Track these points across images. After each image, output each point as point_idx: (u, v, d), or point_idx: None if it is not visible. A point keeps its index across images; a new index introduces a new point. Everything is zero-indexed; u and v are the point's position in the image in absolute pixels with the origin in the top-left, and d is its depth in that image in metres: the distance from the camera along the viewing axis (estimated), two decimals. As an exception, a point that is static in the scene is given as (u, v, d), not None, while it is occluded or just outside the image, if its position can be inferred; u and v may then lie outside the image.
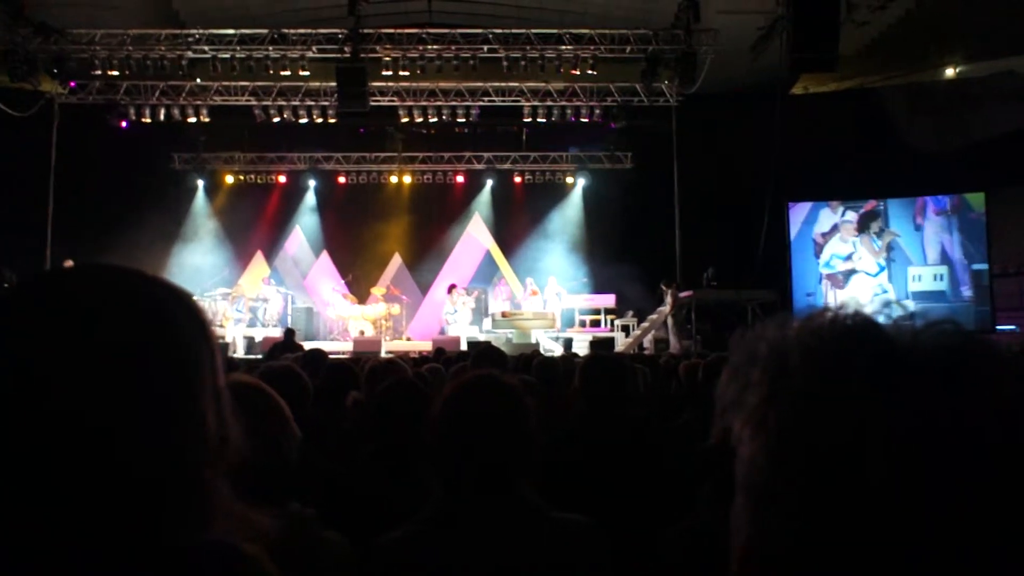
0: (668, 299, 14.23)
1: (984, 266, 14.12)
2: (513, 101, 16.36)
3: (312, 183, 18.37)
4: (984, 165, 16.60)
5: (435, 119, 16.64)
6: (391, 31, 15.04)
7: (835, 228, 15.83)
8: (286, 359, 6.72)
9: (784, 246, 15.13)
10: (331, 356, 9.83)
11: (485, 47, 15.01)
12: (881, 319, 0.58)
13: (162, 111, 16.24)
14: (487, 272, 18.23)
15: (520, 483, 1.55)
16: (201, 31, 14.84)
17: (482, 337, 14.01)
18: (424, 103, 16.37)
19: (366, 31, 14.65)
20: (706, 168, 15.27)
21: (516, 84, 16.03)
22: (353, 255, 17.93)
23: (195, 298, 0.83)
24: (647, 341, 14.43)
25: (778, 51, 12.35)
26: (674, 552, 1.55)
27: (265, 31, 14.84)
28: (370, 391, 3.50)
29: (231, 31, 14.83)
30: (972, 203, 14.31)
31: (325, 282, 17.78)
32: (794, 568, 0.55)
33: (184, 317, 0.77)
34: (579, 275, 16.96)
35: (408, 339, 16.10)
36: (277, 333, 15.12)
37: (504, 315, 15.09)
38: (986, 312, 14.00)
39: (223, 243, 17.95)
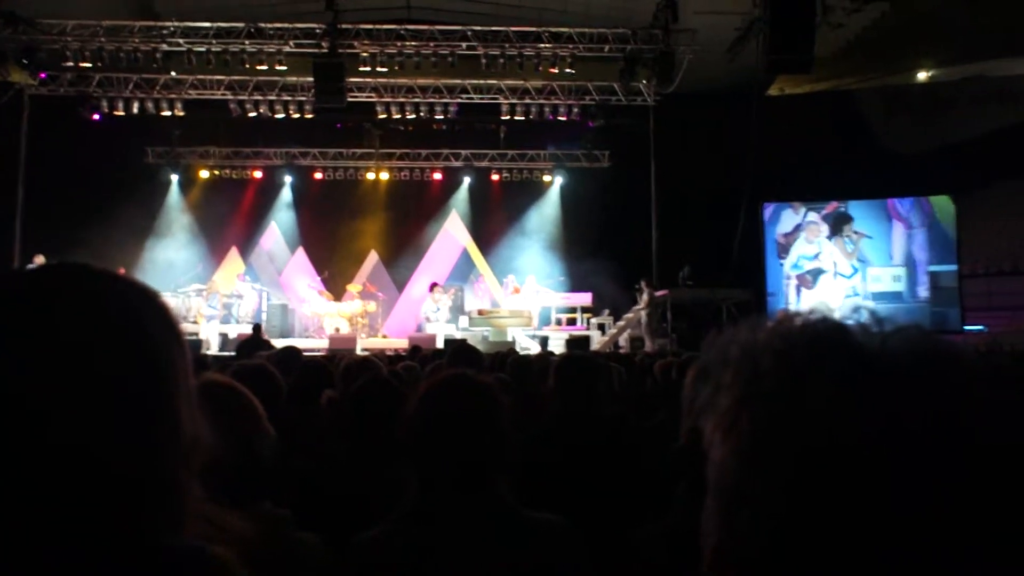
0: (644, 298, 14.30)
1: (943, 267, 14.36)
2: (491, 99, 16.35)
3: (288, 179, 18.22)
4: (955, 167, 16.86)
5: (413, 116, 16.59)
6: (369, 27, 14.96)
7: (798, 228, 15.97)
8: (259, 356, 6.67)
9: (759, 246, 15.28)
10: (306, 354, 9.75)
11: (464, 44, 14.99)
12: (850, 323, 0.58)
13: (135, 104, 16.04)
14: (464, 270, 18.21)
15: (496, 482, 1.55)
16: (176, 24, 14.66)
17: (459, 335, 13.98)
18: (402, 99, 16.31)
19: (344, 26, 14.56)
20: (683, 168, 15.36)
21: (494, 82, 16.02)
22: (329, 252, 17.81)
23: (163, 297, 0.82)
24: (623, 339, 14.50)
25: (755, 52, 12.45)
26: (648, 552, 1.56)
27: (241, 25, 14.70)
28: (345, 390, 3.48)
29: (207, 24, 14.67)
30: (936, 205, 14.53)
31: (301, 279, 17.66)
32: (765, 570, 0.56)
33: (154, 317, 0.76)
34: (556, 273, 16.99)
35: (384, 336, 16.04)
36: (250, 330, 15.00)
37: (481, 313, 15.09)
38: (941, 312, 14.25)
39: (197, 239, 17.75)
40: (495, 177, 18.35)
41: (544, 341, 14.09)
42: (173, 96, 16.07)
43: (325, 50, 14.46)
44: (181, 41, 14.73)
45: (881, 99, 19.77)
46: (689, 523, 0.65)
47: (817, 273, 14.83)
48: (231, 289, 16.16)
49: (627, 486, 2.40)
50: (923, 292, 14.33)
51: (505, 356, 6.15)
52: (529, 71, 15.42)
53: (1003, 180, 19.32)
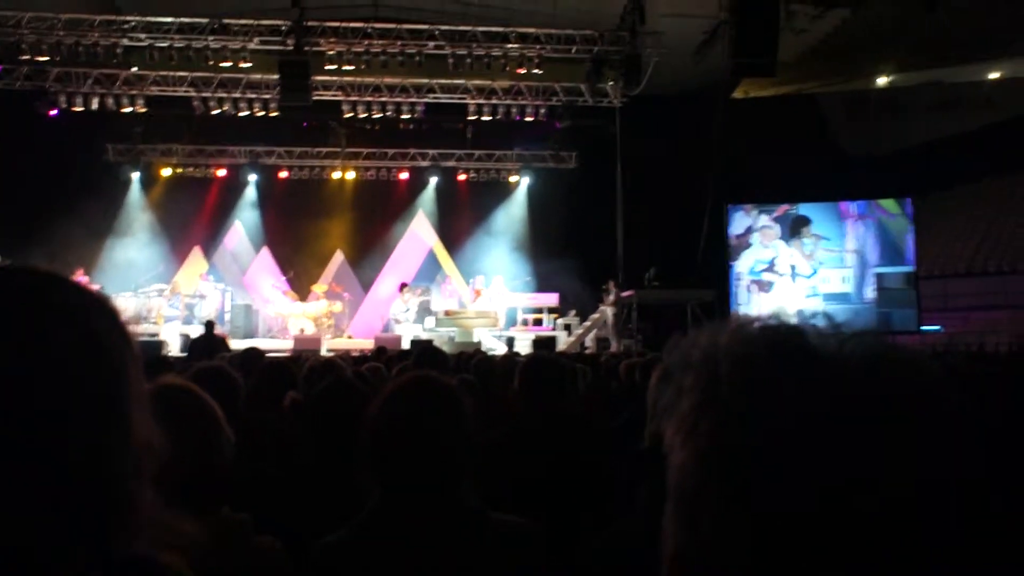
0: (610, 298, 14.38)
1: (889, 269, 14.68)
2: (458, 98, 16.32)
3: (253, 177, 17.99)
4: (913, 171, 17.21)
5: (379, 115, 16.50)
6: (336, 24, 14.84)
7: (749, 230, 16.15)
8: (222, 357, 6.57)
9: (724, 247, 15.44)
10: (270, 354, 9.63)
11: (431, 43, 14.94)
12: (808, 328, 0.59)
13: (95, 100, 15.71)
14: (430, 270, 18.14)
15: (458, 485, 1.54)
16: (138, 18, 14.41)
17: (425, 336, 13.94)
18: (368, 98, 16.21)
19: (310, 24, 14.43)
20: (649, 169, 15.48)
21: (461, 81, 15.99)
22: (294, 251, 17.62)
23: (114, 301, 0.80)
24: (589, 340, 14.57)
25: (720, 55, 12.59)
26: (609, 555, 1.56)
27: (205, 20, 14.49)
28: (308, 391, 3.44)
29: (169, 19, 14.44)
30: (885, 208, 14.85)
31: (265, 279, 17.46)
32: (724, 575, 0.56)
33: (104, 322, 0.74)
34: (522, 274, 17.01)
35: (350, 337, 15.92)
36: (215, 330, 14.78)
37: (447, 314, 15.05)
38: (887, 313, 14.59)
39: (159, 238, 17.44)
40: (462, 177, 18.33)
41: (510, 342, 14.10)
42: (134, 92, 15.78)
43: (291, 48, 14.31)
44: (143, 36, 14.47)
45: (842, 103, 20.14)
46: (650, 526, 0.65)
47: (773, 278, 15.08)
48: (194, 289, 15.91)
49: (591, 488, 2.40)
50: (870, 293, 14.65)
51: (470, 357, 6.15)
52: (496, 71, 15.43)
53: (959, 184, 19.81)
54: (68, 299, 0.74)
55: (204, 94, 15.91)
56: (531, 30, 14.99)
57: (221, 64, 14.85)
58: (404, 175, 18.27)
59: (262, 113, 16.18)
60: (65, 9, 14.27)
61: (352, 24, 14.94)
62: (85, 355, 0.70)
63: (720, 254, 15.51)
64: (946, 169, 18.77)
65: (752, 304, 15.30)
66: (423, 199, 18.47)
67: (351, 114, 16.50)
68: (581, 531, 2.00)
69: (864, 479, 0.53)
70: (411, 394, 1.56)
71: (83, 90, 15.58)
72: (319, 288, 16.42)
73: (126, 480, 0.71)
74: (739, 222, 16.19)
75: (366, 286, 18.07)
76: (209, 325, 10.34)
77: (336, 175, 18.00)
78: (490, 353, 7.93)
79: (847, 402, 0.54)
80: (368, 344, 13.76)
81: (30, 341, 0.68)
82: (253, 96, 15.95)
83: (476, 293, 15.82)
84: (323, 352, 12.53)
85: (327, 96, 15.89)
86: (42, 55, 14.47)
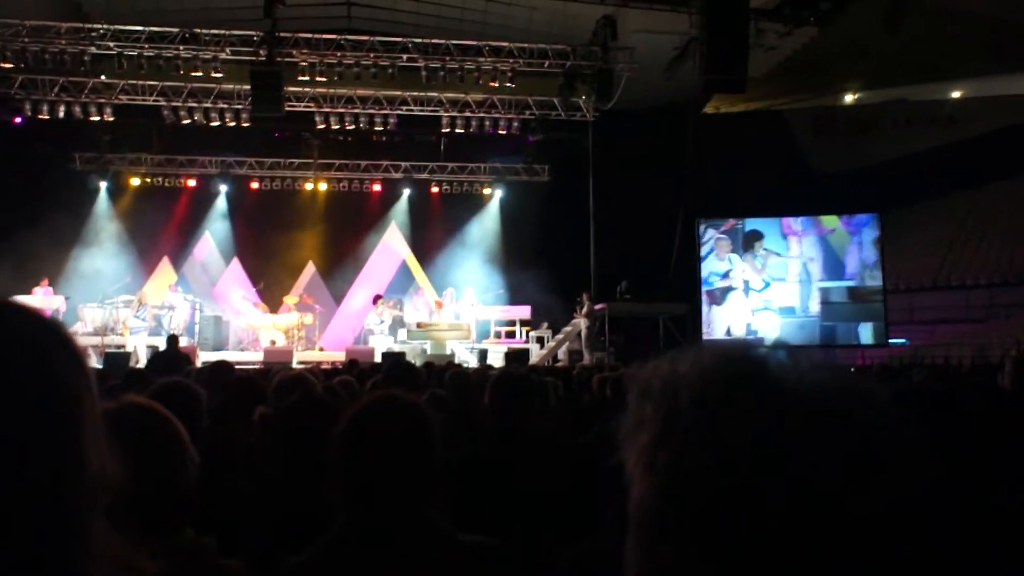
0: (583, 311, 14.42)
1: (832, 283, 14.98)
2: (432, 111, 16.33)
3: (223, 188, 17.81)
4: (878, 186, 17.52)
5: (352, 126, 16.44)
6: (308, 36, 14.79)
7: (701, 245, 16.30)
8: (188, 372, 6.48)
9: (695, 260, 15.58)
10: (241, 367, 9.51)
11: (404, 56, 14.95)
12: (768, 359, 0.60)
13: (62, 108, 15.48)
14: (403, 282, 18.08)
15: (425, 504, 1.54)
16: (106, 26, 14.23)
17: (397, 348, 13.86)
18: (341, 110, 16.16)
19: (283, 34, 14.37)
20: (621, 183, 15.59)
21: (435, 94, 16.01)
22: (265, 263, 17.45)
23: (67, 328, 0.78)
24: (561, 353, 14.58)
25: (691, 71, 12.74)
26: (575, 573, 1.56)
27: (176, 30, 14.36)
28: (277, 406, 3.40)
29: (139, 28, 14.29)
30: (825, 224, 15.15)
31: (235, 290, 17.26)
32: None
33: (59, 351, 0.73)
34: (495, 286, 17.01)
35: (321, 349, 15.78)
36: (183, 342, 14.56)
37: (420, 326, 14.99)
38: (830, 327, 14.90)
39: (127, 248, 17.18)
40: (435, 189, 18.31)
41: (483, 354, 14.07)
42: (102, 101, 15.58)
43: (263, 58, 14.23)
44: (111, 44, 14.30)
45: (810, 119, 20.48)
46: (618, 544, 0.65)
47: (727, 290, 15.27)
48: (162, 300, 15.68)
49: (558, 505, 2.40)
50: (815, 307, 14.96)
51: (443, 370, 6.13)
52: (469, 84, 15.47)
53: (924, 200, 20.21)
54: (20, 327, 0.72)
55: (174, 103, 15.76)
56: (504, 44, 15.06)
57: (192, 74, 14.71)
58: (377, 187, 18.21)
59: (233, 123, 16.05)
60: (31, 15, 14.06)
61: (325, 35, 14.90)
62: (38, 387, 0.69)
63: (691, 268, 15.65)
64: (911, 185, 19.16)
65: (709, 315, 15.46)
66: (396, 211, 18.42)
67: (324, 125, 16.44)
68: (548, 549, 2.00)
69: (822, 510, 0.54)
70: (376, 413, 1.55)
71: (49, 97, 15.35)
72: (290, 300, 16.27)
73: (81, 512, 0.70)
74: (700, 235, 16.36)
75: (338, 298, 17.95)
76: (172, 339, 9.96)
77: (308, 186, 17.89)
78: (464, 366, 7.91)
79: (806, 436, 0.54)
80: (340, 356, 13.65)
81: None
82: (224, 106, 15.81)
83: (438, 305, 15.76)
84: (294, 364, 12.41)
85: (300, 107, 15.82)
86: (6, 62, 14.24)
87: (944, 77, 18.94)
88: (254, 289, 16.65)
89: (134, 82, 15.34)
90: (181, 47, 14.41)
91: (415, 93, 15.99)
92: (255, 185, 17.95)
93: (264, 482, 2.38)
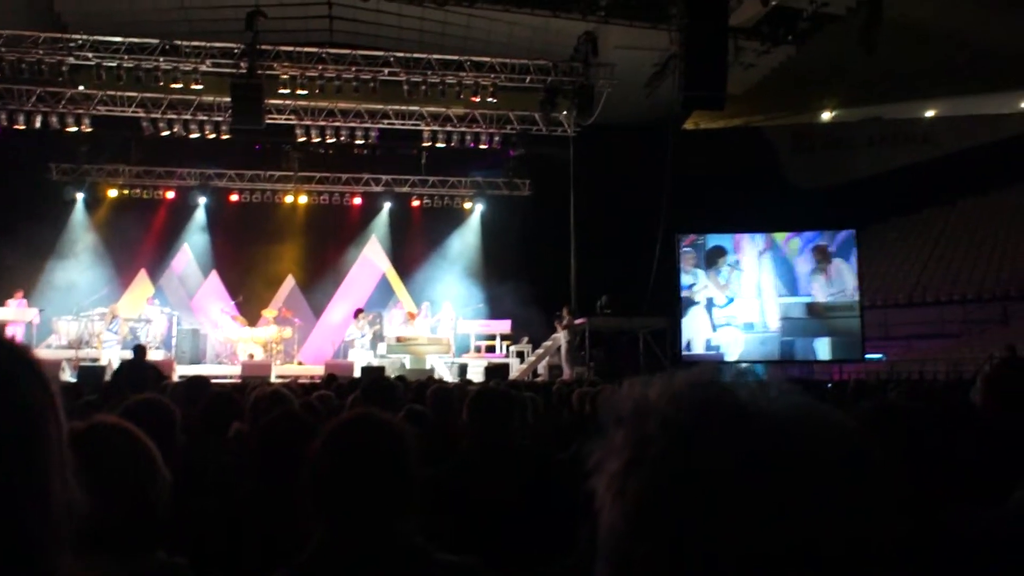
0: (563, 325, 14.44)
1: (791, 299, 15.15)
2: (413, 125, 16.35)
3: (202, 200, 17.68)
4: (853, 203, 17.74)
5: (333, 139, 16.42)
6: (290, 48, 14.78)
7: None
8: (165, 387, 6.40)
9: (675, 275, 15.68)
10: (218, 381, 9.41)
11: (386, 70, 14.97)
12: (738, 387, 0.60)
13: (38, 118, 15.33)
14: (383, 296, 18.02)
15: (401, 523, 1.53)
16: (85, 37, 14.13)
17: (376, 362, 13.79)
18: (322, 123, 16.14)
19: (264, 47, 14.35)
20: (602, 197, 15.69)
21: (416, 108, 16.04)
22: (244, 276, 17.32)
23: (35, 353, 0.77)
24: (541, 367, 14.58)
25: (671, 87, 12.87)
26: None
27: (155, 41, 14.29)
28: (254, 423, 3.37)
29: (118, 39, 14.20)
30: (778, 240, 15.36)
31: (214, 303, 17.11)
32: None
33: (25, 378, 0.71)
34: (475, 300, 16.99)
35: (300, 363, 15.67)
36: (160, 356, 14.40)
37: (399, 340, 14.92)
38: (789, 342, 15.06)
39: (103, 260, 16.98)
40: (416, 203, 18.29)
41: (463, 369, 14.04)
42: (80, 111, 15.46)
43: (244, 71, 14.19)
44: (90, 55, 14.20)
45: (789, 136, 20.73)
46: (592, 565, 0.65)
47: (689, 304, 15.41)
48: (138, 313, 15.51)
49: (538, 522, 2.40)
50: (774, 323, 15.13)
51: (425, 386, 6.10)
52: (451, 98, 15.52)
53: (900, 216, 20.51)
54: None
55: (153, 115, 15.67)
56: (486, 59, 15.13)
57: (172, 85, 14.64)
58: (357, 200, 18.16)
59: (213, 135, 15.97)
60: (9, 25, 13.95)
61: (307, 48, 14.90)
62: (5, 419, 0.67)
63: (671, 282, 15.73)
64: (887, 201, 19.44)
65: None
66: (376, 224, 18.37)
67: (304, 138, 16.40)
68: (525, 568, 1.99)
69: (793, 538, 0.54)
70: (352, 432, 1.55)
71: (26, 108, 15.21)
72: (269, 313, 16.15)
73: (45, 543, 0.68)
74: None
75: (317, 312, 17.84)
76: (139, 350, 9.32)
77: (288, 199, 17.82)
78: (446, 382, 7.88)
79: (775, 464, 0.55)
80: (318, 370, 13.56)
81: None
82: (204, 118, 15.75)
83: (411, 316, 15.68)
84: (272, 378, 12.31)
85: (280, 120, 15.79)
86: (-18, 72, 14.10)
87: (919, 96, 19.27)
88: (232, 302, 16.50)
89: (113, 93, 15.24)
90: (161, 58, 14.35)
91: (396, 107, 16.01)
92: (234, 197, 17.84)
93: (239, 500, 2.35)
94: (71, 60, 14.26)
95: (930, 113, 20.62)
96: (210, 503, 2.42)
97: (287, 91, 14.85)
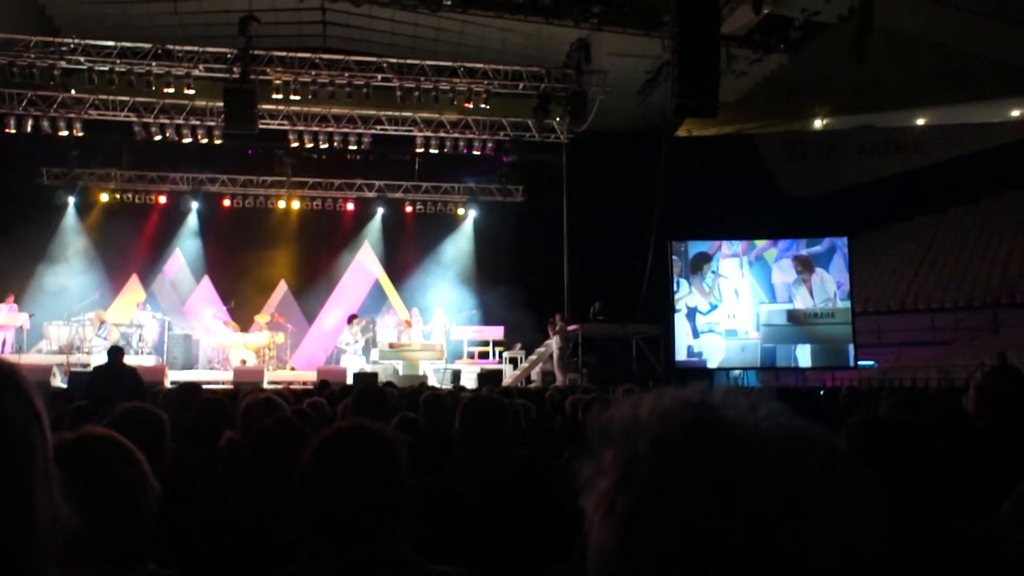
0: (556, 331, 14.44)
1: (771, 305, 15.24)
2: (406, 131, 16.36)
3: (195, 205, 17.64)
4: (845, 210, 17.81)
5: (326, 145, 16.41)
6: (283, 54, 14.77)
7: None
8: (155, 393, 6.38)
9: (668, 282, 15.71)
10: (210, 386, 9.36)
11: (379, 75, 14.98)
12: (726, 406, 0.60)
13: (29, 122, 15.28)
14: (376, 301, 17.99)
15: (392, 534, 1.52)
16: (77, 41, 14.10)
17: (369, 368, 13.76)
18: (315, 128, 16.13)
19: (257, 52, 14.33)
20: (595, 204, 15.71)
21: (409, 114, 16.04)
22: (236, 281, 17.26)
23: (22, 374, 0.76)
24: (535, 374, 14.57)
25: (664, 95, 12.91)
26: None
27: (148, 46, 14.27)
28: (246, 430, 3.36)
29: (111, 43, 14.17)
30: (758, 247, 15.46)
31: (206, 308, 17.04)
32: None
33: (12, 402, 0.71)
34: (468, 306, 16.99)
35: (292, 369, 15.63)
36: (151, 361, 14.35)
37: (392, 346, 14.91)
38: (770, 349, 15.15)
39: (94, 265, 16.91)
40: (409, 209, 18.28)
41: (456, 375, 14.03)
42: (72, 115, 15.41)
43: (236, 76, 14.17)
44: (82, 59, 14.17)
45: (781, 144, 20.82)
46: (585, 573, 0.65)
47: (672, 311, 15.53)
48: (130, 318, 15.44)
49: (530, 531, 2.39)
50: (754, 330, 15.22)
51: (418, 392, 6.08)
52: (444, 105, 15.54)
53: (891, 223, 20.61)
54: None
55: (145, 119, 15.62)
56: (479, 65, 15.16)
57: (164, 90, 14.61)
58: (350, 206, 18.14)
59: (205, 140, 15.94)
60: (0, 28, 13.90)
61: (300, 54, 14.89)
62: None
63: (664, 289, 15.77)
64: (878, 209, 19.53)
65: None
66: (369, 230, 18.36)
67: (297, 143, 16.38)
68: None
69: (780, 558, 0.54)
70: (343, 443, 1.54)
71: (17, 111, 15.15)
72: (261, 319, 16.11)
73: (29, 563, 0.68)
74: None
75: (310, 317, 17.80)
76: (114, 352, 8.52)
77: (281, 204, 17.78)
78: (438, 389, 7.87)
79: (761, 484, 0.55)
80: (311, 376, 13.53)
81: None
82: (197, 123, 15.71)
83: (407, 324, 15.71)
84: (265, 384, 12.27)
85: (273, 125, 15.77)
86: (-27, 75, 14.05)
87: (909, 104, 19.39)
88: (225, 308, 16.45)
89: (105, 97, 15.20)
90: (153, 63, 14.32)
91: (390, 113, 16.02)
92: (227, 202, 17.80)
93: (229, 509, 2.34)
94: (63, 64, 14.21)
95: (921, 121, 20.75)
96: (200, 512, 2.41)
97: (280, 96, 14.84)
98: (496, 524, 2.44)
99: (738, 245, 15.48)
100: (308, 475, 1.50)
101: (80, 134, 15.64)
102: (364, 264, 18.33)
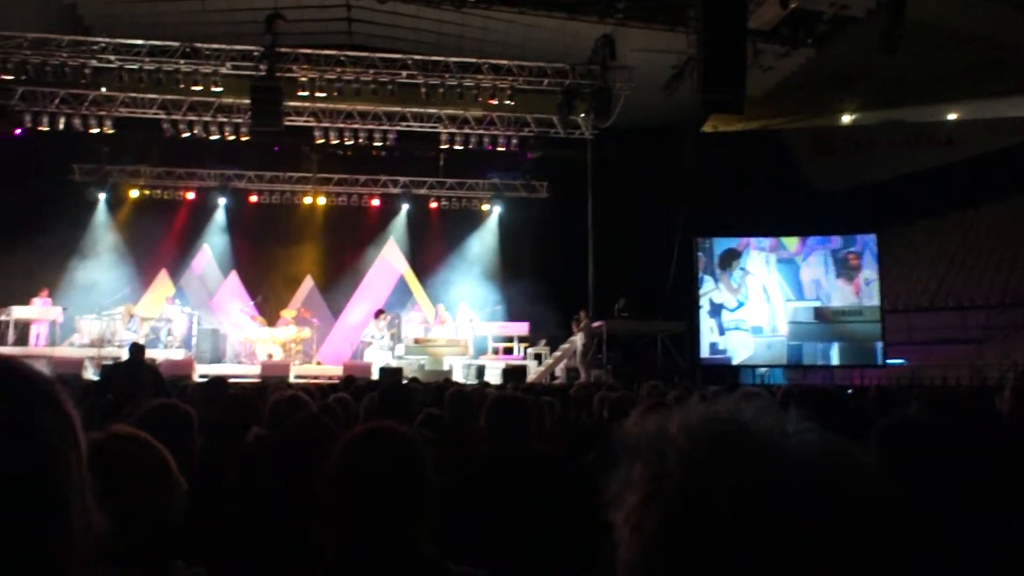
0: (580, 328, 14.41)
1: (798, 303, 15.12)
2: (431, 127, 16.39)
3: (222, 201, 17.84)
4: (875, 206, 17.55)
5: (351, 141, 16.49)
6: (309, 51, 14.86)
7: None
8: (183, 388, 6.46)
9: (693, 279, 15.62)
10: (237, 380, 9.45)
11: (404, 72, 15.02)
12: (755, 423, 0.59)
13: (62, 120, 15.53)
14: (401, 297, 18.08)
15: (416, 536, 1.53)
16: (108, 40, 14.30)
17: (394, 363, 13.83)
18: (341, 125, 16.22)
19: (283, 50, 14.44)
20: (620, 200, 15.63)
21: (434, 110, 16.07)
22: (263, 276, 17.45)
23: (58, 387, 0.76)
24: (559, 370, 14.56)
25: (689, 90, 12.81)
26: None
27: (177, 44, 14.43)
28: (273, 427, 3.39)
29: (140, 42, 14.35)
30: (786, 244, 15.31)
31: (233, 303, 17.24)
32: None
33: (46, 413, 0.71)
34: (493, 302, 17.01)
35: (318, 363, 15.75)
36: (180, 355, 14.54)
37: (417, 341, 14.97)
38: (797, 346, 15.01)
39: (125, 260, 17.17)
40: (433, 205, 18.34)
41: (481, 371, 14.05)
42: (103, 113, 15.63)
43: (263, 73, 14.29)
44: (112, 58, 14.36)
45: (808, 139, 20.57)
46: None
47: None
48: (159, 313, 15.66)
49: (554, 533, 2.39)
50: (783, 327, 15.11)
51: (443, 389, 6.10)
52: (469, 101, 15.55)
53: (922, 219, 20.28)
54: (4, 389, 0.71)
55: (174, 116, 15.82)
56: (504, 62, 15.14)
57: (192, 87, 14.78)
58: (376, 202, 18.24)
59: (233, 137, 16.10)
60: (33, 28, 14.13)
61: (325, 51, 14.98)
62: (21, 453, 0.68)
63: (689, 286, 15.68)
64: (909, 205, 19.22)
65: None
66: (394, 226, 18.44)
67: (323, 140, 16.49)
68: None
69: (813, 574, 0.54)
70: (368, 447, 1.55)
71: (50, 109, 15.40)
72: (288, 313, 16.25)
73: (60, 570, 0.68)
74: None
75: (336, 312, 17.93)
76: (135, 348, 8.49)
77: (307, 200, 17.93)
78: (465, 385, 7.89)
79: (789, 504, 0.55)
80: (337, 371, 13.63)
81: None
82: (224, 120, 15.88)
83: (441, 321, 15.80)
84: (291, 378, 12.38)
85: (299, 122, 15.88)
86: (7, 73, 14.30)
87: (941, 98, 19.07)
88: (252, 302, 16.63)
89: (134, 95, 15.41)
90: (182, 61, 14.48)
91: (414, 109, 16.06)
92: (254, 198, 17.98)
93: (257, 506, 2.37)
94: (94, 63, 14.42)
95: (952, 116, 20.40)
96: (229, 509, 2.44)
97: (306, 93, 14.94)
98: (520, 525, 2.44)
99: (766, 242, 15.35)
100: (334, 477, 1.51)
101: (110, 131, 15.86)
102: (389, 260, 18.42)
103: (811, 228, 15.66)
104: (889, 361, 15.17)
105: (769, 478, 0.55)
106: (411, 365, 13.90)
